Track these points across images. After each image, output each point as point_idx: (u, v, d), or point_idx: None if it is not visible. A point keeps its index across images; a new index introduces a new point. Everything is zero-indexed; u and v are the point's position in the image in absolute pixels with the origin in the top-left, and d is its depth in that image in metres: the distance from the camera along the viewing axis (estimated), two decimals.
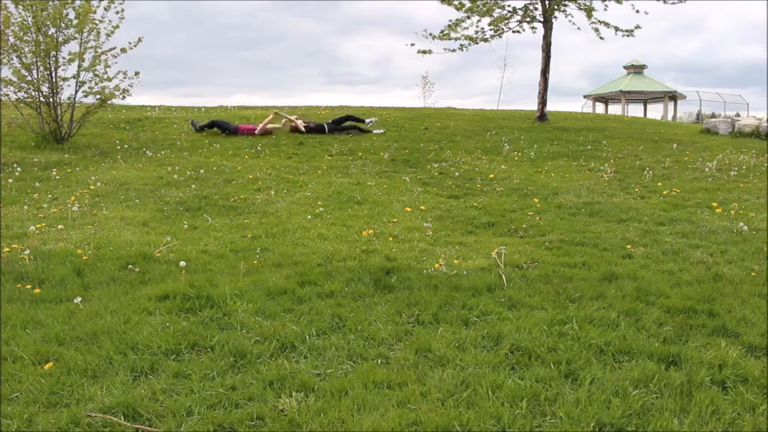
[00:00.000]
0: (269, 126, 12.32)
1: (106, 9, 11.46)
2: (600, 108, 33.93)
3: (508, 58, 55.35)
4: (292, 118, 12.71)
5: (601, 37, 15.61)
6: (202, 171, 9.02)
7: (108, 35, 11.48)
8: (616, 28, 15.37)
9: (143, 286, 4.07)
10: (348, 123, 12.69)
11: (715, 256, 4.93)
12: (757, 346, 3.15)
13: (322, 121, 13.03)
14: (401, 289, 4.01)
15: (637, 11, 15.12)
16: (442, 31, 15.48)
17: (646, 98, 33.43)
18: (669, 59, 69.40)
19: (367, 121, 12.82)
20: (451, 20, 15.47)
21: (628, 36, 15.38)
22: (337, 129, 12.44)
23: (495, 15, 15.26)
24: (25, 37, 10.91)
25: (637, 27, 15.36)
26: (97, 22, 11.36)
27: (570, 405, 2.53)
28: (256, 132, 12.10)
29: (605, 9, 15.41)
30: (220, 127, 12.53)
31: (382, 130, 12.60)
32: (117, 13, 11.53)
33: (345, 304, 3.72)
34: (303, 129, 12.38)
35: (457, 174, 9.12)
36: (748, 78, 76.75)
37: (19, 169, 8.81)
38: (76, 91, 11.62)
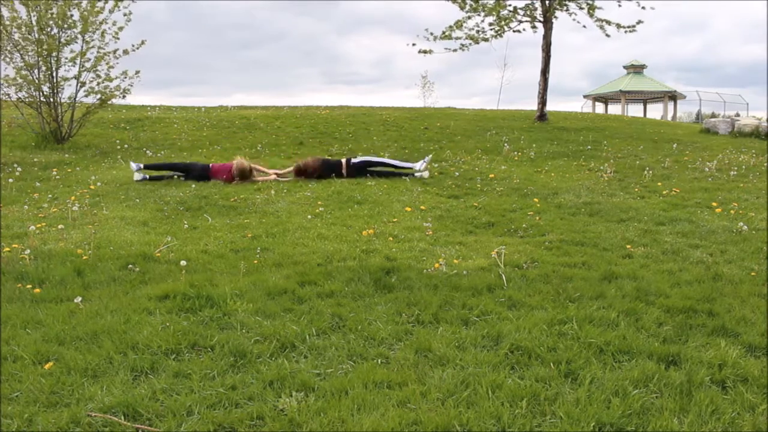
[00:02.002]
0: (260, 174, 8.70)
1: (111, 11, 11.48)
2: (600, 108, 33.93)
3: (508, 57, 55.30)
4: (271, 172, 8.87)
5: (607, 35, 15.62)
6: None
7: (114, 36, 11.50)
8: (618, 25, 15.36)
9: (143, 286, 4.07)
10: (380, 168, 8.93)
11: (715, 255, 4.93)
12: (757, 346, 3.15)
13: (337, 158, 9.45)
14: (401, 288, 4.01)
15: (643, 7, 15.11)
16: (443, 32, 15.48)
17: (645, 98, 33.43)
18: (670, 58, 69.55)
19: (417, 165, 8.94)
20: (456, 21, 15.49)
21: (630, 32, 15.38)
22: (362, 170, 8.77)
23: (500, 15, 15.26)
24: (28, 37, 10.93)
25: (639, 22, 15.35)
26: (102, 21, 11.38)
27: (570, 405, 2.53)
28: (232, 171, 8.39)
29: (619, 5, 15.31)
30: (174, 168, 8.67)
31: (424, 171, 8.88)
32: (125, 15, 11.57)
33: (345, 303, 3.72)
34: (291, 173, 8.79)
35: (457, 174, 9.12)
36: (750, 77, 76.90)
37: (19, 168, 8.81)
38: (77, 91, 11.64)
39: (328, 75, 78.07)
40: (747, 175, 9.05)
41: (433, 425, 2.39)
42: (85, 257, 4.69)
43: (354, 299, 3.82)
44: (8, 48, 10.82)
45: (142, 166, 8.53)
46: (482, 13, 15.26)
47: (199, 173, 8.40)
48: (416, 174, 8.77)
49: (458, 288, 3.99)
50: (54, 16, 10.99)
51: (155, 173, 8.51)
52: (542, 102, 15.89)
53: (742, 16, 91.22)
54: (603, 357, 3.00)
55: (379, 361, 2.97)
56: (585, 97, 34.72)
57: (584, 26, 16.23)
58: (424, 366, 2.90)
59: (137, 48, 11.85)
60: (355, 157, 9.02)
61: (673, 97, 32.85)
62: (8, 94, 11.28)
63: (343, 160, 8.81)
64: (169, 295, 3.80)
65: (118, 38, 11.55)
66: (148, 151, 10.77)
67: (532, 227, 6.03)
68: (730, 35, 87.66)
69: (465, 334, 3.26)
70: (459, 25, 15.42)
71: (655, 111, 34.24)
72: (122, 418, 2.46)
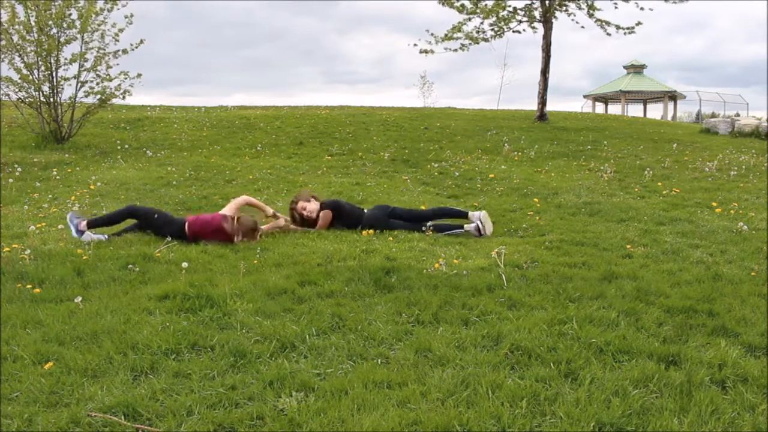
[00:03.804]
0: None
1: (109, 11, 11.49)
2: (600, 108, 33.96)
3: (508, 57, 55.35)
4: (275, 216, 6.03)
5: (608, 34, 15.64)
6: (202, 171, 9.02)
7: (114, 37, 11.52)
8: (617, 26, 15.38)
9: (143, 286, 4.07)
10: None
11: (715, 255, 4.93)
12: (757, 346, 3.14)
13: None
14: (401, 288, 4.00)
15: (642, 8, 15.13)
16: (445, 35, 15.52)
17: (645, 98, 33.47)
18: (672, 57, 69.72)
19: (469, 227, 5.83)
20: (454, 24, 15.54)
21: (629, 33, 15.40)
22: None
23: (500, 15, 15.29)
24: (28, 37, 10.94)
25: (638, 24, 15.37)
26: (102, 21, 11.40)
27: (570, 404, 2.53)
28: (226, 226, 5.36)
29: (615, 8, 15.35)
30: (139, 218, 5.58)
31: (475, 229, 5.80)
32: (126, 17, 11.59)
33: (345, 303, 3.72)
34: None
35: (457, 174, 9.12)
36: (751, 77, 77.07)
37: (19, 168, 8.81)
38: (77, 91, 11.65)
39: (328, 74, 78.30)
40: (747, 175, 9.06)
41: (433, 425, 2.39)
42: (84, 257, 4.69)
43: (354, 299, 3.82)
44: (8, 48, 10.83)
45: (85, 222, 5.39)
46: (481, 16, 15.30)
47: (177, 231, 5.37)
48: (467, 227, 5.83)
49: (458, 288, 3.99)
50: (53, 16, 10.99)
51: (109, 228, 5.63)
52: (542, 102, 15.90)
53: (744, 16, 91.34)
54: (603, 357, 2.99)
55: (379, 361, 2.97)
56: (585, 97, 34.77)
57: (582, 26, 16.37)
58: (424, 366, 2.90)
59: (136, 47, 11.87)
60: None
61: (673, 97, 32.88)
62: (8, 94, 11.29)
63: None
64: (169, 295, 3.79)
65: (118, 40, 11.57)
66: (148, 151, 10.77)
67: (532, 227, 6.03)
68: (732, 35, 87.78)
69: (465, 334, 3.26)
70: (459, 27, 15.45)
71: (655, 111, 34.30)
72: (122, 418, 2.45)
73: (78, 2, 11.31)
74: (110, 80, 11.72)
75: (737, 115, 28.93)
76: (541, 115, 15.82)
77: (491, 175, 8.99)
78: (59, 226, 5.59)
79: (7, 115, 12.62)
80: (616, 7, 15.35)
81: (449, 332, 3.30)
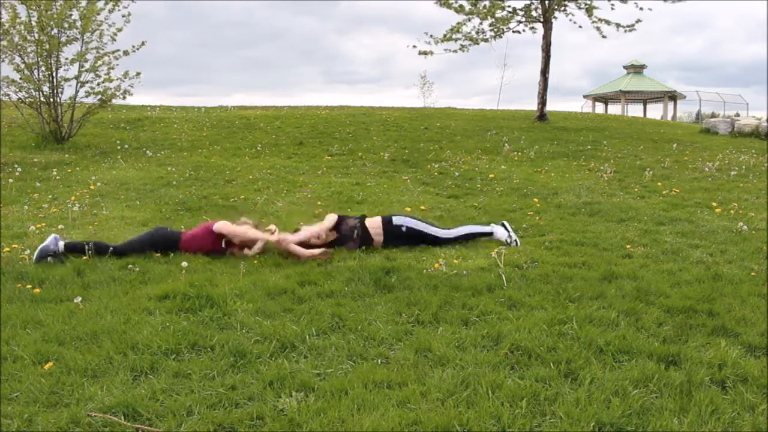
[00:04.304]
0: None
1: (110, 11, 11.49)
2: (600, 108, 33.97)
3: (508, 57, 55.28)
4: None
5: (603, 36, 15.65)
6: (202, 171, 9.02)
7: (113, 37, 11.52)
8: (618, 25, 15.38)
9: (143, 286, 4.07)
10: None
11: (715, 255, 4.93)
12: (757, 346, 3.15)
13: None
14: (401, 288, 4.00)
15: (641, 8, 15.13)
16: (445, 35, 15.52)
17: (645, 98, 33.48)
18: (672, 57, 69.78)
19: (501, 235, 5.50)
20: (452, 24, 15.55)
21: (629, 31, 15.39)
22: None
23: (497, 16, 15.30)
24: (29, 37, 10.93)
25: (638, 21, 15.37)
26: (101, 22, 11.41)
27: (570, 404, 2.53)
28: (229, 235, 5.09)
29: (612, 8, 15.37)
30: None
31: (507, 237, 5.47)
32: (123, 16, 11.59)
33: (345, 303, 3.72)
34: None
35: (457, 174, 9.12)
36: (751, 77, 77.12)
37: (19, 169, 8.81)
38: (77, 92, 11.64)
39: (328, 74, 78.39)
40: (747, 175, 9.06)
41: (433, 425, 2.39)
42: (84, 257, 4.68)
43: (354, 299, 3.82)
44: (8, 48, 10.82)
45: (61, 245, 4.76)
46: (479, 16, 15.30)
47: (167, 242, 5.01)
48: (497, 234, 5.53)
49: (458, 288, 3.99)
50: (54, 16, 10.99)
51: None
52: (542, 102, 15.91)
53: (744, 16, 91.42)
54: (603, 357, 2.99)
55: (379, 361, 2.97)
56: (585, 97, 34.77)
57: (580, 26, 16.39)
58: (424, 366, 2.90)
59: (137, 49, 11.88)
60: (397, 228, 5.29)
61: (673, 97, 32.89)
62: (8, 94, 11.28)
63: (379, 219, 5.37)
64: (169, 295, 3.80)
65: (116, 39, 11.57)
66: (148, 152, 10.77)
67: (532, 227, 6.03)
68: (732, 34, 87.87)
69: (465, 334, 3.26)
70: (458, 28, 15.46)
71: (655, 111, 34.32)
72: (122, 418, 2.45)
73: (80, 3, 11.31)
74: (111, 81, 11.72)
75: (737, 115, 28.95)
76: (541, 115, 15.83)
77: (491, 175, 9.00)
78: (59, 226, 5.59)
79: (7, 115, 12.61)
80: (613, 8, 15.37)
81: (449, 332, 3.30)
